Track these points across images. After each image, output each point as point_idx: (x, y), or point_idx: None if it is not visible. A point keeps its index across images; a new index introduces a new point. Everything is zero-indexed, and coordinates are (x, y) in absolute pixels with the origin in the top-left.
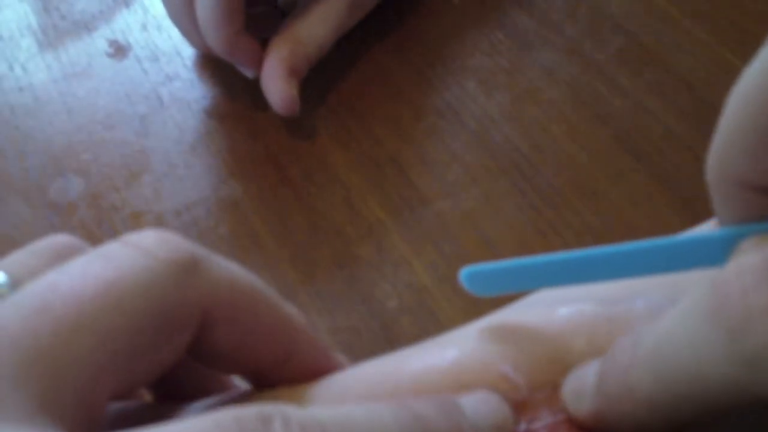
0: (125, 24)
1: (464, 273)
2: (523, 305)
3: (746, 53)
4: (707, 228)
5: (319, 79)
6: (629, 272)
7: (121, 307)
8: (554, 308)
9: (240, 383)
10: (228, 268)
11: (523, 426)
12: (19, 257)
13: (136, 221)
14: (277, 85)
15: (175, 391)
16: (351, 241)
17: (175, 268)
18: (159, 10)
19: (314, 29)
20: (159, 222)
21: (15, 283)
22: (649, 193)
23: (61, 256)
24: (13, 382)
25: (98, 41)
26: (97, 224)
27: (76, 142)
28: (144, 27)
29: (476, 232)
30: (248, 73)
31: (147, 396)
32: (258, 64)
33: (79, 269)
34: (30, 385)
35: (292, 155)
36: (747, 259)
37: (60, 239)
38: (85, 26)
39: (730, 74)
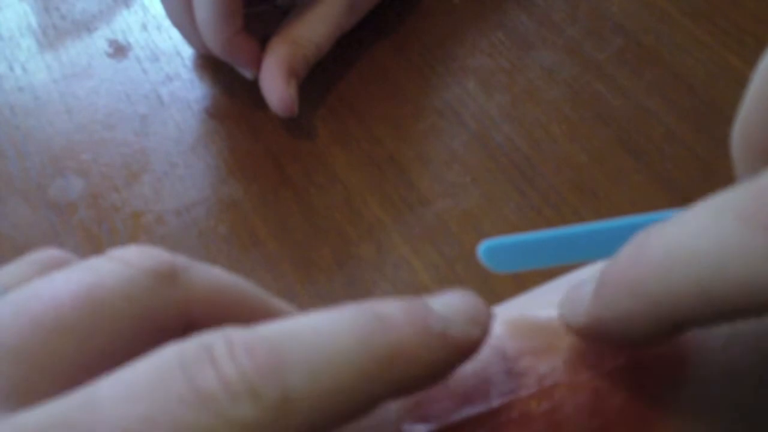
0: (125, 24)
1: (483, 247)
2: (544, 291)
3: (746, 53)
4: None
5: (319, 79)
6: None
7: (100, 310)
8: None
9: None
10: (211, 274)
11: (497, 401)
12: (11, 269)
13: (136, 221)
14: (275, 85)
15: None
16: (351, 241)
17: (153, 276)
18: (159, 10)
19: (313, 29)
20: (159, 222)
21: (4, 293)
22: (649, 193)
23: (50, 267)
24: None
25: (98, 41)
26: (97, 224)
27: (76, 142)
28: (144, 27)
29: (476, 232)
30: (247, 74)
31: None
32: (257, 64)
33: (62, 277)
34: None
35: (292, 155)
36: None
37: (51, 252)
38: (85, 26)
39: (730, 74)
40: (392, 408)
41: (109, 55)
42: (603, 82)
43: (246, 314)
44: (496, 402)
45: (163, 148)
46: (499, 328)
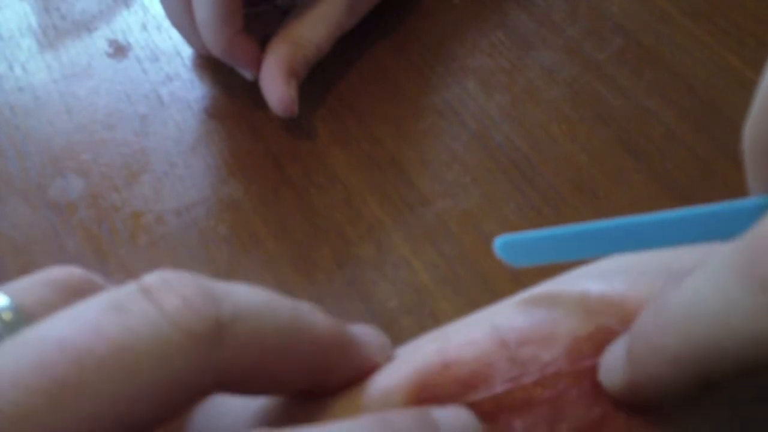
0: (125, 24)
1: (499, 242)
2: (561, 282)
3: (746, 53)
4: None
5: (319, 79)
6: (660, 242)
7: (130, 377)
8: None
9: None
10: (257, 322)
11: (499, 387)
12: (31, 286)
13: (136, 221)
14: (275, 86)
15: None
16: (351, 241)
17: (196, 342)
18: (159, 10)
19: (313, 30)
20: (159, 222)
21: (22, 311)
22: (649, 193)
23: (76, 293)
24: None
25: (98, 41)
26: (97, 224)
27: (76, 142)
28: (144, 27)
29: (476, 232)
30: (247, 75)
31: None
32: (257, 65)
33: (91, 322)
34: None
35: (292, 155)
36: None
37: (70, 271)
38: (85, 26)
39: (730, 74)
40: (398, 392)
41: (109, 55)
42: (603, 82)
43: (287, 358)
44: (499, 388)
45: (163, 148)
46: (503, 314)
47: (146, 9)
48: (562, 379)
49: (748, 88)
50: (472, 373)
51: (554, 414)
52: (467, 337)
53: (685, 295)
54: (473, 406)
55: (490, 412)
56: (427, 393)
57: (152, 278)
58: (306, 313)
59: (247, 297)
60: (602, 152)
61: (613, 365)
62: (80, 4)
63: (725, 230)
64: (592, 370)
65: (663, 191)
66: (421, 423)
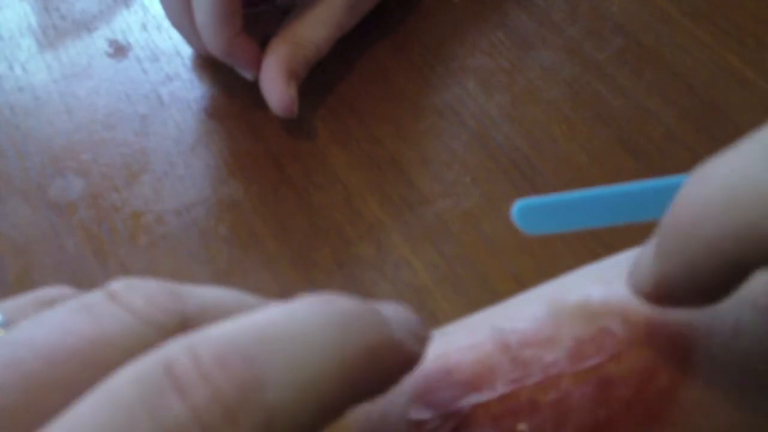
0: (125, 24)
1: (516, 208)
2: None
3: (746, 53)
4: None
5: (319, 79)
6: None
7: (97, 367)
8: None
9: None
10: (223, 316)
11: (500, 389)
12: (23, 305)
13: (136, 221)
14: (275, 86)
15: None
16: (351, 241)
17: (163, 336)
18: (159, 10)
19: (313, 30)
20: (159, 222)
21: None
22: None
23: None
24: None
25: (98, 41)
26: (97, 224)
27: (76, 142)
28: (144, 27)
29: (476, 232)
30: (247, 75)
31: None
32: (257, 65)
33: (59, 322)
34: None
35: (292, 155)
36: None
37: (68, 293)
38: (85, 26)
39: (730, 74)
40: (400, 395)
41: (109, 55)
42: (603, 82)
43: None
44: (502, 389)
45: (163, 148)
46: (504, 316)
47: (146, 9)
48: (565, 380)
49: (748, 88)
50: (474, 376)
51: (559, 416)
52: (468, 340)
53: (725, 175)
54: (478, 409)
55: (495, 414)
56: (429, 398)
57: (117, 284)
58: None
59: (213, 294)
60: (602, 152)
61: (641, 266)
62: (80, 4)
63: None
64: (596, 372)
65: None
66: (377, 317)
